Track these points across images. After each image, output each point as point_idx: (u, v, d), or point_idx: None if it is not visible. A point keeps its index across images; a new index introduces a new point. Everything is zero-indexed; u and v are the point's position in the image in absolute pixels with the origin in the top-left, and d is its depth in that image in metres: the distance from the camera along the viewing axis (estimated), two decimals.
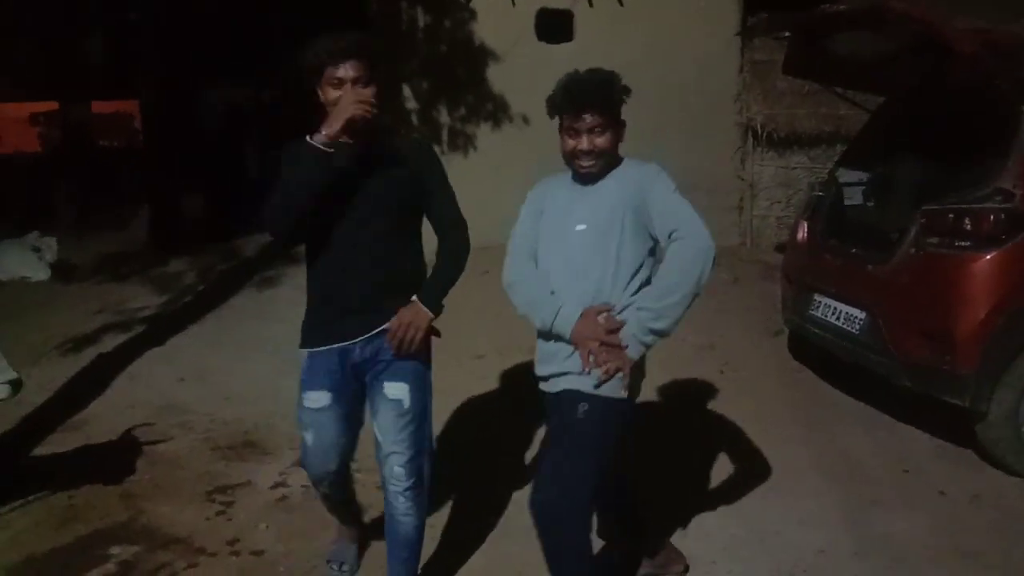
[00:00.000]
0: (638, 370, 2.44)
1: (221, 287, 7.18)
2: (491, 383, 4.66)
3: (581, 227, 2.44)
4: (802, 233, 4.79)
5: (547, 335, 2.47)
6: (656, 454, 3.71)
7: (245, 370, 5.11)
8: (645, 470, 3.58)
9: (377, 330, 2.49)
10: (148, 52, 9.14)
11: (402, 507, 2.55)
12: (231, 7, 10.08)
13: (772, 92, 7.63)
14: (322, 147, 2.31)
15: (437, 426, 4.00)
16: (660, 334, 2.32)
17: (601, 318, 2.37)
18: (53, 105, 14.35)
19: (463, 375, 4.69)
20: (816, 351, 4.64)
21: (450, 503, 3.42)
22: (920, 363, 3.76)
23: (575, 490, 2.33)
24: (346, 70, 2.35)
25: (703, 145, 7.45)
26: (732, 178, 7.80)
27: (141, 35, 9.14)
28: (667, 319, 2.30)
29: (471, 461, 3.77)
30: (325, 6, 9.06)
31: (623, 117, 2.46)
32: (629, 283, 2.40)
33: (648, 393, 4.24)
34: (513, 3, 6.00)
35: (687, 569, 2.91)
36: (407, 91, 7.68)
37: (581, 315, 2.38)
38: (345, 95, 2.34)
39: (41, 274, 7.77)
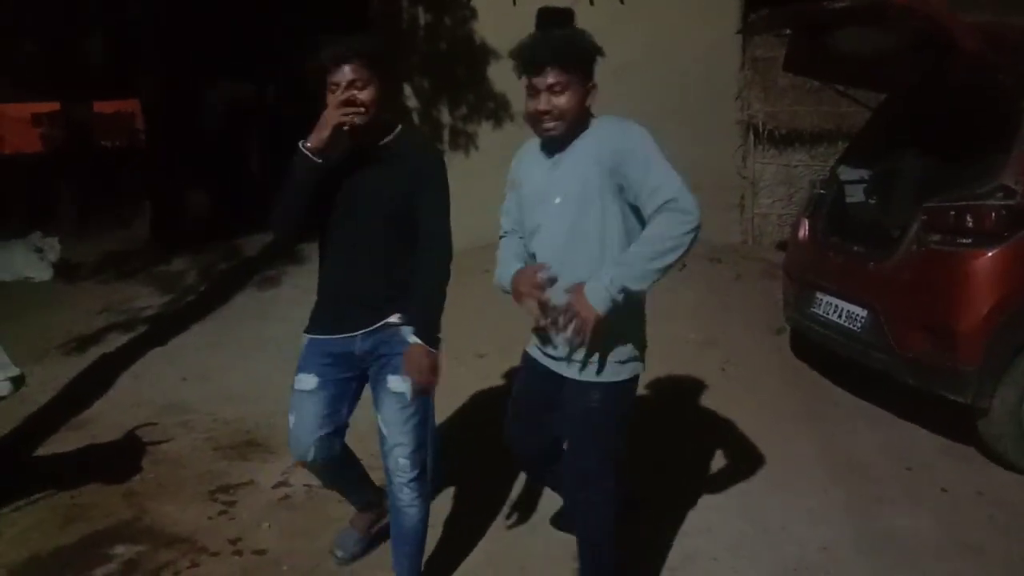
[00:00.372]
0: (639, 341, 2.41)
1: (223, 287, 7.19)
2: (493, 381, 4.65)
3: (558, 200, 2.33)
4: (804, 231, 4.79)
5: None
6: (658, 450, 3.71)
7: (247, 369, 5.11)
8: (647, 467, 3.59)
9: (375, 325, 2.55)
10: (149, 51, 9.14)
11: (406, 498, 2.60)
12: (232, 5, 10.08)
13: (773, 89, 7.61)
14: (311, 155, 2.38)
15: (440, 424, 4.02)
16: (630, 294, 2.20)
17: (541, 275, 2.32)
18: (54, 105, 14.35)
19: (465, 373, 4.69)
20: (818, 348, 4.64)
21: (453, 499, 3.43)
22: (922, 360, 3.76)
23: (602, 481, 2.37)
24: (344, 74, 2.38)
25: (704, 142, 7.43)
26: (733, 175, 7.78)
27: (142, 34, 9.15)
28: (645, 282, 2.19)
29: (473, 458, 3.77)
30: (326, 4, 9.07)
31: (594, 81, 2.31)
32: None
33: (650, 390, 4.25)
34: (514, 2, 5.99)
35: None
36: (408, 90, 7.68)
37: (518, 271, 2.38)
38: (330, 104, 2.38)
39: (44, 274, 7.78)
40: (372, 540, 3.08)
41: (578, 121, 2.31)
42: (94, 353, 5.48)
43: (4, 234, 8.25)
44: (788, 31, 5.19)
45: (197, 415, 4.46)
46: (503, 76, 7.46)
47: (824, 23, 4.51)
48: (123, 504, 3.48)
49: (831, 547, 3.07)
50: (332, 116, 2.36)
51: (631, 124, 2.32)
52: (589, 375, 2.37)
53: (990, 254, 3.57)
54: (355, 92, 2.39)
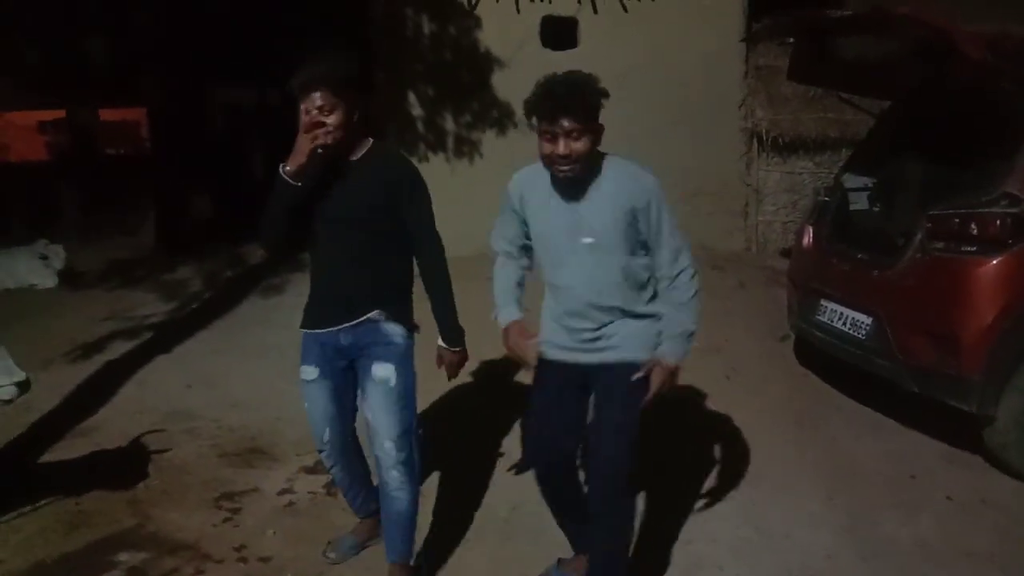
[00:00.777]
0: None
1: (227, 294, 7.21)
2: (494, 389, 4.66)
3: (588, 240, 2.51)
4: (808, 238, 4.79)
5: (578, 313, 2.57)
6: (663, 457, 3.70)
7: (252, 376, 5.12)
8: (652, 473, 3.59)
9: (356, 321, 2.77)
10: (154, 57, 9.18)
11: (394, 482, 2.75)
12: (235, 10, 10.12)
13: (777, 97, 7.64)
14: (289, 179, 2.60)
15: (440, 432, 4.03)
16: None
17: (530, 342, 2.62)
18: (60, 113, 14.44)
19: (466, 381, 4.69)
20: (822, 356, 4.64)
21: (454, 506, 3.44)
22: (926, 368, 3.76)
23: (629, 450, 2.56)
24: (312, 100, 2.57)
25: (708, 150, 7.45)
26: (737, 183, 7.79)
27: (147, 40, 9.19)
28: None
29: (474, 465, 3.78)
30: (327, 8, 9.11)
31: (601, 121, 2.47)
32: (643, 291, 2.57)
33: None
34: (518, 10, 6.01)
35: None
36: (412, 97, 7.71)
37: (512, 327, 2.64)
38: (300, 135, 2.58)
39: (48, 281, 7.80)
40: (361, 550, 3.14)
41: (591, 161, 2.49)
42: (99, 360, 5.50)
43: (9, 241, 8.28)
44: (791, 39, 5.21)
45: (202, 422, 4.46)
46: (507, 83, 7.50)
47: (827, 31, 4.52)
48: (128, 511, 3.49)
49: (835, 554, 3.07)
50: (304, 142, 2.57)
51: (645, 173, 2.53)
52: (629, 354, 2.56)
53: (994, 262, 3.56)
54: (323, 117, 2.57)
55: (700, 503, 3.42)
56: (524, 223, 2.66)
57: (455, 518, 3.35)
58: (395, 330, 2.79)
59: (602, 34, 7.17)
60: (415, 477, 2.80)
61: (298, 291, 6.84)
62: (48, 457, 4.08)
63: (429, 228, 2.81)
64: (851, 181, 4.74)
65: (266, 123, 12.50)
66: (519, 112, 7.52)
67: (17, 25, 9.82)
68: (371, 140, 2.78)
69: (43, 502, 3.50)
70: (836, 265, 4.45)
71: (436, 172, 7.06)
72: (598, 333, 2.57)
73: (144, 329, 6.22)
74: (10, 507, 3.44)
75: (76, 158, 12.24)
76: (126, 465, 3.86)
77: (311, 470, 3.84)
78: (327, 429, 2.90)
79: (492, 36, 7.47)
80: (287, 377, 4.79)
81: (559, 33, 7.44)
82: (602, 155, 2.53)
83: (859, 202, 4.72)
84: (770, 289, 6.23)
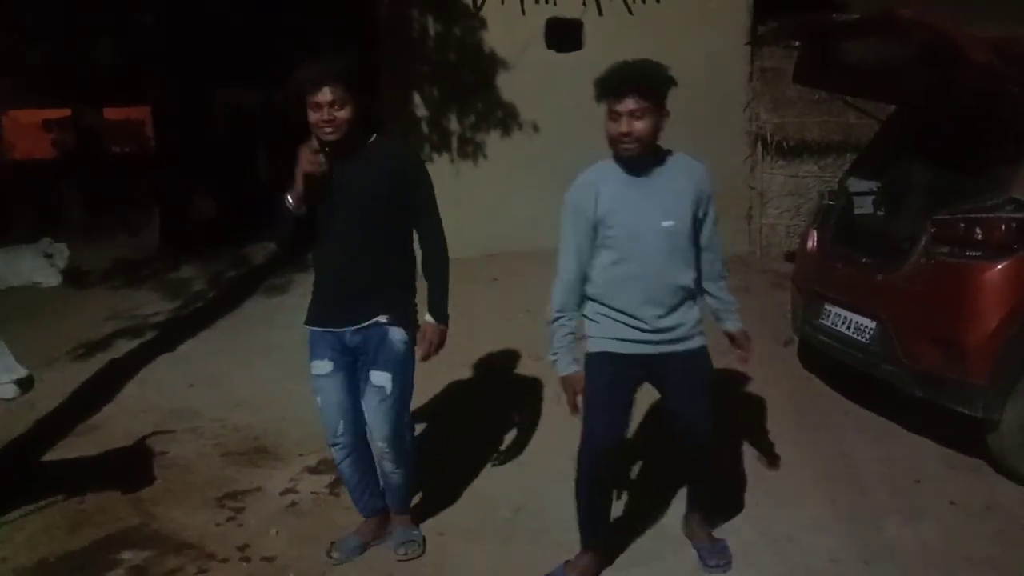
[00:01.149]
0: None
1: (231, 294, 7.22)
2: (498, 390, 4.66)
3: (668, 223, 2.67)
4: (812, 242, 4.79)
5: (650, 299, 2.72)
6: (665, 461, 3.70)
7: (255, 376, 5.13)
8: (656, 478, 3.59)
9: (364, 324, 2.84)
10: (159, 57, 9.19)
11: (389, 467, 3.01)
12: (239, 12, 10.13)
13: (782, 100, 7.62)
14: (293, 209, 2.74)
15: (442, 433, 4.04)
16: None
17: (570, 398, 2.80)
18: (65, 112, 14.45)
19: (469, 382, 4.69)
20: (826, 360, 4.63)
21: (456, 509, 3.44)
22: (931, 372, 3.75)
23: (710, 420, 2.90)
24: (324, 95, 2.64)
25: (712, 153, 7.34)
26: (741, 186, 7.78)
27: (152, 40, 9.20)
28: None
29: (477, 468, 3.78)
30: (332, 10, 9.11)
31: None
32: (696, 274, 2.82)
33: (656, 401, 4.24)
34: (523, 11, 6.02)
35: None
36: (417, 98, 7.70)
37: (570, 376, 2.78)
38: (299, 167, 2.67)
39: (52, 280, 7.80)
40: (364, 550, 3.15)
41: (652, 144, 2.64)
42: (102, 359, 5.51)
43: (13, 239, 8.29)
44: (796, 43, 5.20)
45: (205, 421, 4.47)
46: (511, 85, 7.51)
47: (832, 35, 4.52)
48: (131, 510, 3.49)
49: (839, 559, 3.06)
50: (301, 173, 2.67)
51: (706, 169, 2.79)
52: (691, 345, 2.81)
53: (1000, 266, 3.56)
54: (334, 112, 2.65)
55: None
56: (595, 228, 2.70)
57: (457, 519, 3.35)
58: (398, 336, 2.87)
59: (607, 36, 7.16)
60: (407, 459, 3.02)
61: (302, 291, 6.82)
62: (52, 455, 4.09)
63: (433, 214, 2.89)
64: (856, 185, 4.73)
65: (269, 123, 12.50)
66: (524, 114, 7.55)
67: (21, 24, 9.84)
68: (374, 135, 2.86)
69: (46, 501, 3.50)
70: (840, 269, 4.44)
71: (440, 174, 7.04)
72: (668, 321, 2.74)
73: (148, 328, 6.23)
74: (14, 505, 3.44)
75: (81, 157, 12.23)
76: (130, 465, 3.87)
77: (314, 470, 3.84)
78: (341, 422, 2.97)
79: (497, 38, 7.46)
80: (291, 377, 4.81)
81: (564, 35, 7.43)
82: (665, 149, 2.71)
83: (864, 206, 4.71)
84: (774, 293, 6.23)
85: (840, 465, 3.81)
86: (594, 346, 2.81)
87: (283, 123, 12.05)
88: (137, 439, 4.12)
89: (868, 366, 4.12)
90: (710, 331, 2.91)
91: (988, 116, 4.00)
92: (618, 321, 2.76)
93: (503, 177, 7.45)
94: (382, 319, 2.83)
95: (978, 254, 3.63)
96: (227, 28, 10.34)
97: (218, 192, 10.68)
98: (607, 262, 2.73)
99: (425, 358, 2.94)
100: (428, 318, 2.92)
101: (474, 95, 7.64)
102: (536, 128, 7.48)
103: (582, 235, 2.72)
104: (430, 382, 2.96)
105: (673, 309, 2.75)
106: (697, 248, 2.80)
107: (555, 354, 2.80)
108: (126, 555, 3.15)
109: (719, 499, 3.45)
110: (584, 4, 6.56)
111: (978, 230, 3.62)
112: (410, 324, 2.91)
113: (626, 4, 5.82)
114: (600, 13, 5.97)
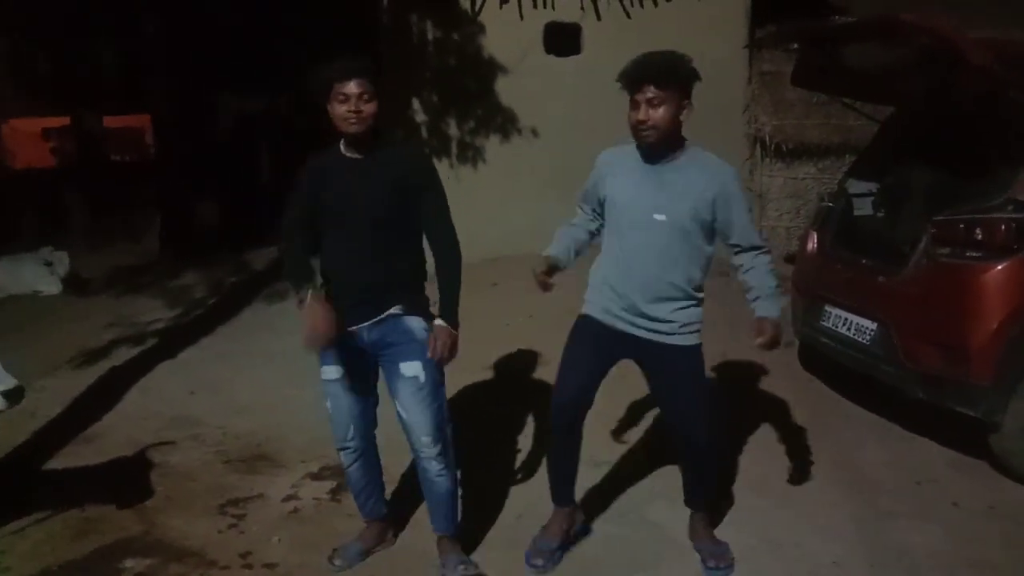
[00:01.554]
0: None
1: (231, 300, 7.21)
2: (499, 395, 4.66)
3: (660, 217, 2.73)
4: (812, 244, 4.79)
5: (636, 283, 2.79)
6: (667, 465, 3.70)
7: (256, 383, 5.12)
8: (655, 481, 3.59)
9: (379, 317, 2.81)
10: (160, 64, 9.20)
11: (434, 470, 2.90)
12: (242, 19, 10.16)
13: (781, 103, 7.63)
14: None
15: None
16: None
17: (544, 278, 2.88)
18: (65, 120, 14.48)
19: (470, 387, 4.69)
20: (827, 362, 4.63)
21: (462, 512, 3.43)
22: (932, 374, 3.75)
23: (706, 420, 2.88)
24: (351, 87, 2.66)
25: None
26: (741, 188, 7.79)
27: (153, 47, 9.21)
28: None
29: (478, 474, 3.77)
30: (336, 18, 9.13)
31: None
32: (700, 275, 2.84)
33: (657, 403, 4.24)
34: (521, 16, 6.03)
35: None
36: (416, 103, 7.71)
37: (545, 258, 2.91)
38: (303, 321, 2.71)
39: (53, 288, 7.80)
40: (367, 556, 3.15)
41: (671, 133, 2.72)
42: (103, 366, 5.50)
43: (14, 248, 8.30)
44: (795, 46, 5.21)
45: (206, 428, 4.46)
46: (511, 90, 7.51)
47: (831, 38, 4.52)
48: (133, 518, 3.48)
49: (841, 562, 3.06)
50: (306, 331, 2.71)
51: (729, 167, 2.82)
52: (679, 341, 2.82)
53: (1000, 267, 3.56)
54: (360, 104, 2.67)
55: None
56: (599, 200, 2.92)
57: (462, 524, 3.35)
58: (417, 324, 2.83)
59: (606, 40, 7.16)
60: (452, 461, 2.94)
61: None
62: (53, 463, 4.08)
63: (445, 217, 2.87)
64: (855, 187, 4.74)
65: (272, 129, 12.53)
66: (523, 118, 7.55)
67: (23, 33, 9.86)
68: (382, 140, 2.88)
69: (49, 511, 3.49)
70: (841, 271, 4.44)
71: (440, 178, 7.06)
72: (654, 309, 2.79)
73: (148, 335, 6.23)
74: (16, 514, 3.43)
75: (81, 164, 12.24)
76: (132, 473, 3.86)
77: (316, 476, 3.84)
78: (351, 427, 2.96)
79: (496, 43, 7.47)
80: (292, 383, 4.81)
81: (563, 39, 7.44)
82: (687, 142, 2.78)
83: (863, 208, 4.71)
84: None
85: (841, 467, 3.81)
86: (585, 308, 2.96)
87: (284, 127, 12.13)
88: (138, 449, 4.10)
89: (869, 368, 4.12)
90: (715, 337, 2.92)
91: (987, 118, 4.01)
92: (606, 294, 2.87)
93: (503, 182, 7.46)
94: (396, 310, 2.81)
95: (979, 255, 3.63)
96: (228, 33, 10.37)
97: (219, 198, 10.69)
98: (607, 237, 2.89)
99: (440, 363, 2.85)
100: (440, 322, 2.85)
101: (474, 100, 7.65)
102: (536, 133, 7.49)
103: (590, 187, 2.96)
104: None
105: (662, 300, 2.79)
106: (708, 248, 2.83)
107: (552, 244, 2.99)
108: (128, 563, 3.15)
109: (720, 501, 3.46)
110: (583, 9, 6.57)
111: (978, 231, 3.63)
112: (426, 314, 2.87)
113: (624, 8, 5.83)
114: (599, 17, 5.98)
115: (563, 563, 3.07)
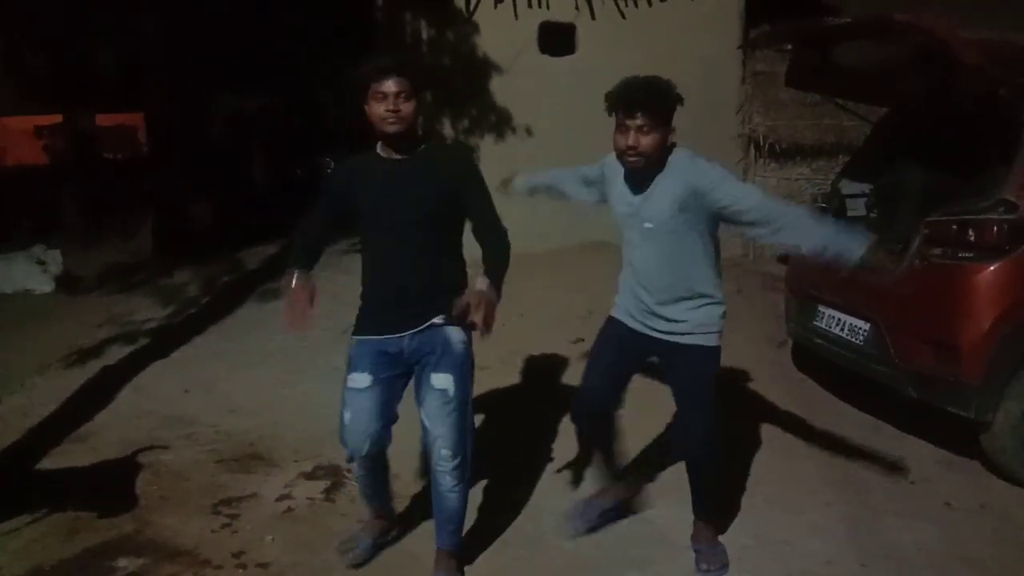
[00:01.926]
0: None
1: (225, 299, 7.18)
2: (496, 394, 4.66)
3: (649, 225, 2.82)
4: None
5: (646, 287, 2.89)
6: (661, 465, 3.71)
7: (250, 381, 5.11)
8: (648, 481, 3.60)
9: (421, 327, 2.78)
10: (154, 63, 9.17)
11: (448, 484, 2.82)
12: (237, 18, 10.13)
13: (774, 103, 7.65)
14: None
15: None
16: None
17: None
18: (57, 118, 14.42)
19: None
20: (820, 362, 4.64)
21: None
22: (924, 373, 3.77)
23: (711, 420, 2.90)
24: (389, 85, 2.61)
25: (705, 156, 7.45)
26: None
27: (148, 46, 9.18)
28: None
29: (476, 471, 3.76)
30: (332, 17, 9.11)
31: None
32: (710, 272, 2.87)
33: (650, 403, 4.25)
34: (515, 16, 6.04)
35: None
36: None
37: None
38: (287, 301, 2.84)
39: (45, 286, 7.77)
40: (377, 550, 3.13)
41: (657, 158, 2.76)
42: (96, 365, 5.47)
43: (6, 246, 8.25)
44: (789, 46, 5.21)
45: (200, 427, 4.45)
46: (504, 89, 7.51)
47: (825, 38, 4.53)
48: (126, 517, 3.47)
49: (834, 561, 3.07)
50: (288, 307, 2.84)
51: (699, 161, 2.81)
52: (696, 341, 2.87)
53: (992, 268, 3.58)
54: (399, 103, 2.63)
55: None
56: (603, 195, 3.08)
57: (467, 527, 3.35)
58: (457, 336, 2.80)
59: (600, 40, 7.19)
60: (466, 478, 2.89)
61: None
62: (46, 462, 4.06)
63: (492, 211, 2.84)
64: (848, 187, 4.75)
65: (266, 128, 12.49)
66: (517, 118, 7.55)
67: (22, 32, 9.82)
68: (425, 141, 2.86)
69: (41, 510, 3.48)
70: (833, 271, 4.44)
71: None
72: (669, 310, 2.86)
73: (142, 334, 6.20)
74: (8, 514, 3.42)
75: (74, 163, 12.19)
76: (125, 472, 3.85)
77: (310, 475, 3.83)
78: (367, 442, 2.84)
79: (490, 42, 7.47)
80: (286, 382, 4.81)
81: (557, 39, 7.45)
82: (671, 150, 2.81)
83: (856, 208, 4.73)
84: (767, 295, 6.24)
85: (834, 467, 3.82)
86: (613, 311, 3.08)
87: (282, 126, 12.10)
88: (131, 449, 4.08)
89: (862, 368, 4.13)
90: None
91: (980, 118, 4.02)
92: (628, 297, 3.00)
93: (496, 180, 7.45)
94: (438, 320, 2.77)
95: (971, 255, 3.65)
96: (224, 33, 10.34)
97: (213, 197, 10.65)
98: (623, 245, 3.00)
99: (466, 312, 2.59)
100: (482, 278, 2.67)
101: (468, 99, 7.64)
102: (530, 132, 7.49)
103: (596, 174, 3.11)
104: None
105: (676, 301, 2.86)
106: (709, 246, 2.86)
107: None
108: (121, 562, 3.14)
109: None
110: (577, 8, 6.60)
111: (970, 231, 3.65)
112: (466, 325, 2.78)
113: (618, 8, 5.85)
114: (593, 17, 5.99)
115: (553, 559, 3.08)
